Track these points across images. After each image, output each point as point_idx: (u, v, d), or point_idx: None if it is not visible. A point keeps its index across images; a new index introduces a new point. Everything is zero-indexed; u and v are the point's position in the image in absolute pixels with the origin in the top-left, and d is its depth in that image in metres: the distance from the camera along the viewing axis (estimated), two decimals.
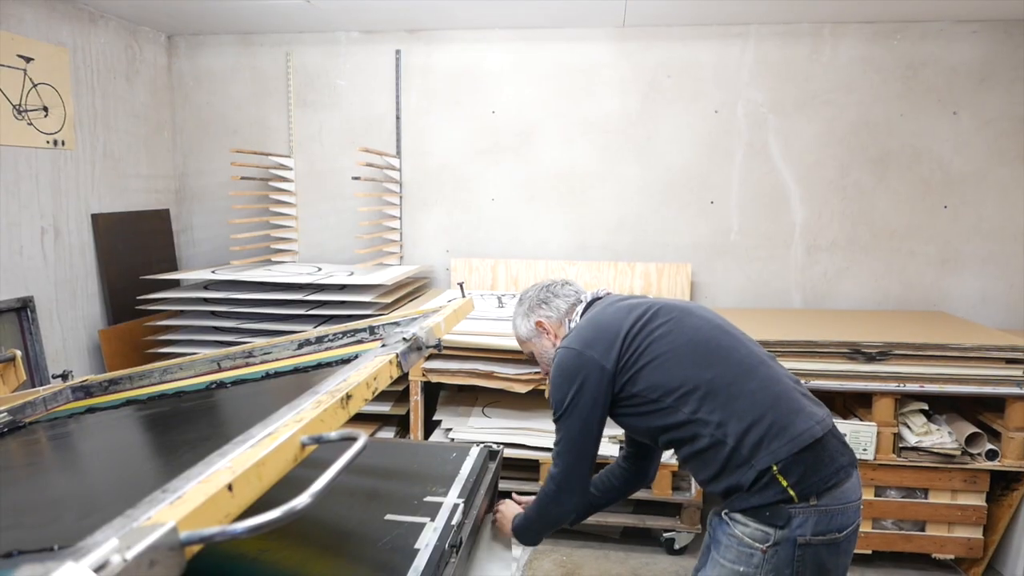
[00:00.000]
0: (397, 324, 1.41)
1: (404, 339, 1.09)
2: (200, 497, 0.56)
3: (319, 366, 1.34)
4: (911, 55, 3.12)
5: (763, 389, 1.38)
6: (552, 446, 1.53)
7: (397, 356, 1.01)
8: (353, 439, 0.68)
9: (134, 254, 3.31)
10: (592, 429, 1.46)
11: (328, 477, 0.60)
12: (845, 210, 3.23)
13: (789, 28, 3.17)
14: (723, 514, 1.38)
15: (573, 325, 1.59)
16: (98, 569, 0.45)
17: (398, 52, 3.43)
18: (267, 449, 0.65)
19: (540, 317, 1.66)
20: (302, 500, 0.55)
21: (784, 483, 1.29)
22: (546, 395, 1.75)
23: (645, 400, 1.43)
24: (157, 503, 0.57)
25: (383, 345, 1.15)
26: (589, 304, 1.63)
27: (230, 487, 0.58)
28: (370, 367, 0.94)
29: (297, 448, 0.68)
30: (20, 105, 2.70)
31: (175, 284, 3.24)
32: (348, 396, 0.82)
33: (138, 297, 3.10)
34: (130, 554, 0.47)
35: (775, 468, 1.30)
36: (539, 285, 1.73)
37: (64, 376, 1.86)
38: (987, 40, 3.07)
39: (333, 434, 0.70)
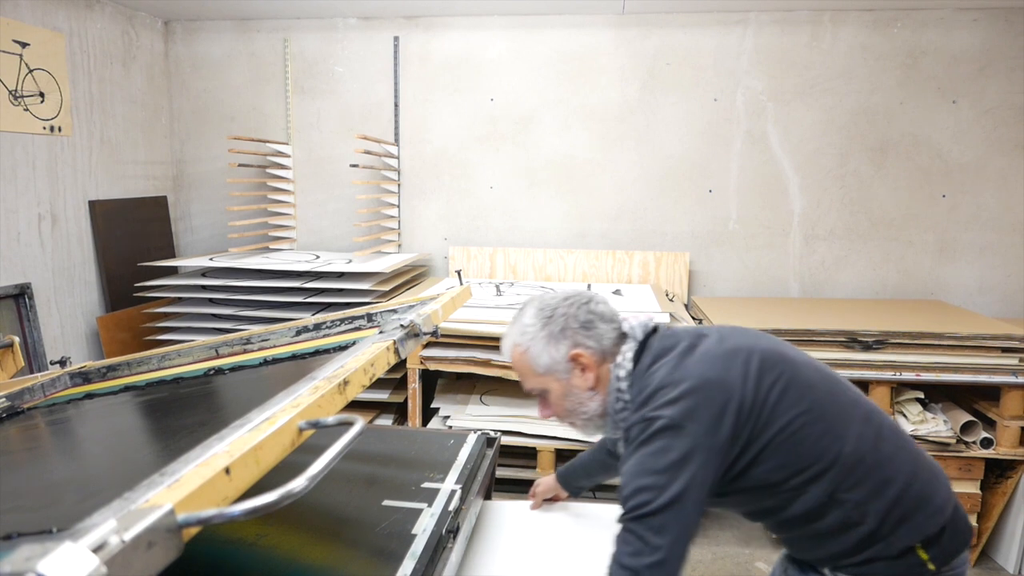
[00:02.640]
0: (395, 311, 1.41)
1: (402, 326, 1.09)
2: (198, 480, 0.57)
3: (317, 353, 1.34)
4: (911, 43, 3.11)
5: (899, 451, 1.16)
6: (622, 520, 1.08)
7: (395, 343, 1.01)
8: (350, 424, 0.68)
9: (132, 241, 3.31)
10: (694, 513, 1.06)
11: (325, 461, 0.61)
12: (844, 199, 3.23)
13: (789, 15, 3.16)
14: (831, 571, 1.19)
15: (621, 372, 1.20)
16: (96, 550, 0.45)
17: (396, 39, 3.41)
18: (265, 433, 0.65)
19: (580, 347, 1.21)
20: (299, 483, 0.56)
21: (924, 557, 1.13)
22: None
23: (762, 484, 1.13)
24: (155, 486, 0.57)
25: (381, 332, 1.15)
26: (643, 341, 1.23)
27: (227, 470, 0.59)
28: (367, 353, 0.94)
29: (295, 433, 0.69)
30: (16, 91, 2.69)
31: (173, 271, 3.24)
32: (345, 382, 0.82)
33: (136, 284, 3.10)
34: (128, 535, 0.48)
35: (918, 545, 1.12)
36: (572, 298, 1.25)
37: (62, 362, 1.87)
38: (987, 28, 3.05)
39: (330, 419, 0.70)
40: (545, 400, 1.28)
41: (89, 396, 1.62)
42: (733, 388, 1.10)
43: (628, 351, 1.21)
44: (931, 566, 1.12)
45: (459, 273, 1.71)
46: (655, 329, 1.26)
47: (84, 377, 1.79)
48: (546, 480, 1.66)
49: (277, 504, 0.54)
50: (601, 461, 1.59)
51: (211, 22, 3.53)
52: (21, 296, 2.73)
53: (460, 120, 3.44)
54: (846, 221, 3.24)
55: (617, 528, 1.07)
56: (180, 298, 3.07)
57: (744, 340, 1.19)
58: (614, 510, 1.35)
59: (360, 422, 0.68)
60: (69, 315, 3.00)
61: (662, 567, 1.01)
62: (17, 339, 1.99)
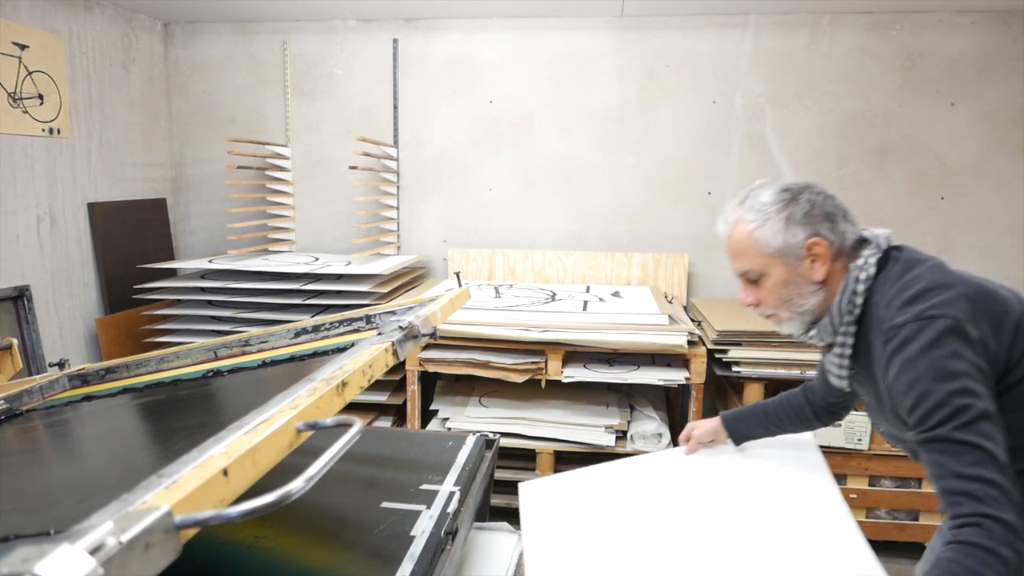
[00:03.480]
0: (393, 313, 1.42)
1: (400, 327, 1.09)
2: (195, 482, 0.57)
3: (315, 355, 1.34)
4: (910, 46, 3.11)
5: None
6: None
7: (393, 344, 1.01)
8: (348, 425, 0.68)
9: (131, 243, 3.31)
10: (997, 419, 0.98)
11: (323, 462, 0.61)
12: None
13: (788, 18, 3.16)
14: None
15: (862, 275, 1.13)
16: (93, 552, 0.45)
17: (395, 41, 3.41)
18: (262, 435, 0.65)
19: (820, 236, 1.15)
20: (297, 485, 0.56)
21: None
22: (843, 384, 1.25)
23: (1007, 420, 1.02)
24: (153, 487, 0.57)
25: (379, 334, 1.15)
26: (886, 253, 1.17)
27: (225, 472, 0.59)
28: (366, 355, 0.94)
29: (292, 434, 0.69)
30: (15, 93, 2.69)
31: (172, 273, 3.24)
32: (344, 383, 0.82)
33: (135, 286, 3.10)
34: (125, 537, 0.47)
35: None
36: (816, 187, 1.19)
37: (61, 364, 1.87)
38: (986, 31, 3.06)
39: (328, 420, 0.70)
40: (755, 285, 1.22)
41: (88, 398, 1.62)
42: (1010, 303, 1.09)
43: (871, 256, 1.15)
44: None
45: (458, 275, 1.71)
46: (908, 250, 1.20)
47: (83, 379, 1.79)
48: (704, 422, 1.56)
49: (275, 505, 0.54)
50: (794, 409, 1.48)
51: (210, 24, 3.53)
52: (20, 298, 2.73)
53: (459, 122, 3.44)
54: None
55: (930, 444, 0.98)
56: (179, 300, 3.07)
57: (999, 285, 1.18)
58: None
59: (358, 424, 0.68)
60: (68, 317, 2.99)
61: (1004, 471, 0.93)
62: (16, 341, 1.99)
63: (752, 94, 3.23)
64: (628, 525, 1.37)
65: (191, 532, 0.52)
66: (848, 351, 1.19)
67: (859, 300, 1.14)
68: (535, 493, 1.62)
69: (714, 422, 1.54)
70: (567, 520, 1.46)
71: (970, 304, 1.05)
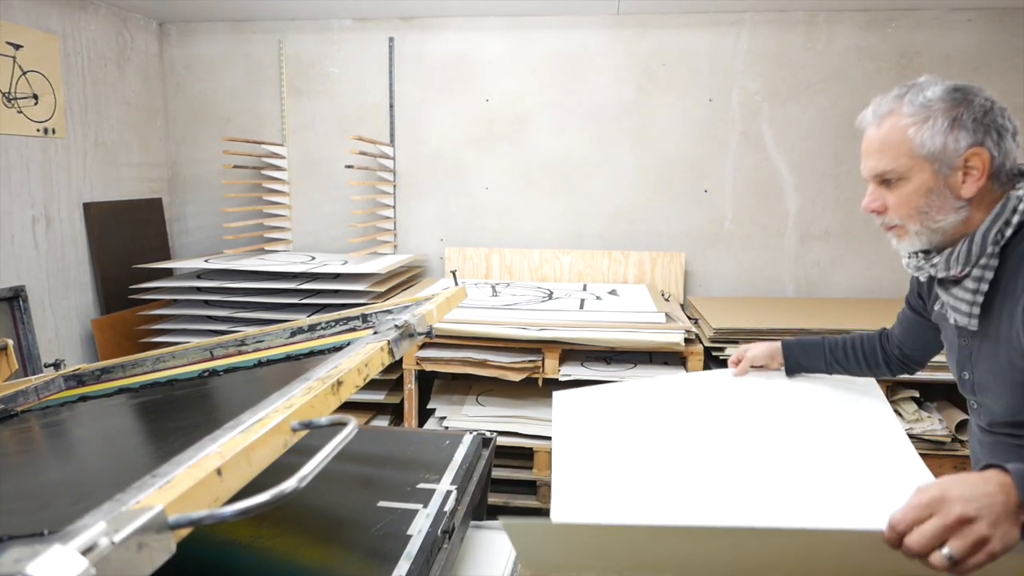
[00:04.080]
0: (390, 312, 1.41)
1: (396, 326, 1.09)
2: (189, 481, 0.56)
3: (311, 354, 1.34)
4: (905, 43, 3.12)
5: None
6: None
7: (389, 343, 1.01)
8: (343, 424, 0.68)
9: (127, 243, 3.30)
10: None
11: (317, 461, 0.61)
12: (839, 199, 3.24)
13: (784, 16, 3.16)
14: None
15: (1015, 206, 1.04)
16: (86, 552, 0.45)
17: (391, 40, 3.41)
18: (257, 434, 0.65)
19: (985, 145, 1.03)
20: (290, 484, 0.56)
21: None
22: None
23: None
24: (146, 488, 0.57)
25: (375, 333, 1.15)
26: None
27: (219, 471, 0.58)
28: (362, 354, 0.94)
29: (287, 433, 0.68)
30: (10, 93, 2.68)
31: (168, 273, 3.23)
32: (339, 382, 0.82)
33: (131, 286, 3.09)
34: (118, 537, 0.47)
35: None
36: (987, 91, 1.08)
37: (56, 365, 1.86)
38: (981, 28, 3.06)
39: (323, 419, 0.70)
40: (886, 187, 1.09)
41: (83, 398, 1.62)
42: None
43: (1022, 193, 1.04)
44: None
45: (454, 274, 1.71)
46: None
47: (78, 379, 1.79)
48: (760, 344, 1.50)
49: (269, 505, 0.53)
50: (866, 350, 1.41)
51: (206, 24, 3.52)
52: (15, 299, 2.72)
53: (456, 121, 3.43)
54: (841, 221, 3.25)
55: None
56: (175, 300, 3.06)
57: None
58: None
59: (353, 422, 0.68)
60: (64, 317, 2.99)
61: None
62: (11, 342, 1.98)
63: (748, 92, 3.23)
64: (660, 440, 1.32)
65: (184, 532, 0.52)
66: (986, 286, 1.06)
67: (1010, 232, 1.04)
68: (568, 402, 1.55)
69: (771, 345, 1.47)
70: (598, 432, 1.40)
71: None
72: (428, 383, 2.91)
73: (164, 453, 0.90)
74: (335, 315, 1.49)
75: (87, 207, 3.07)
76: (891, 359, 1.44)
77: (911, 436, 2.50)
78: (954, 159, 1.04)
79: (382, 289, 2.96)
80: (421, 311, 1.20)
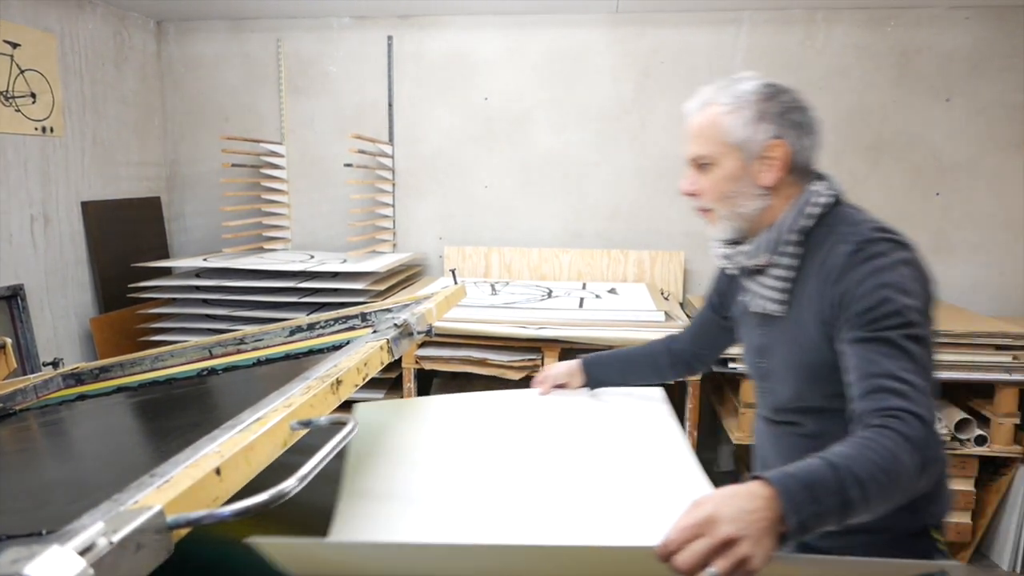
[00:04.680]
0: (389, 311, 1.41)
1: (395, 325, 1.09)
2: (188, 481, 0.56)
3: (310, 353, 1.34)
4: (904, 42, 3.11)
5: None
6: (891, 378, 0.97)
7: (388, 342, 1.01)
8: (343, 424, 0.68)
9: (125, 242, 3.29)
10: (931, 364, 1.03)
11: (316, 460, 0.60)
12: None
13: (782, 14, 3.16)
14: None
15: (820, 199, 1.12)
16: (84, 552, 0.45)
17: (390, 38, 3.40)
18: (256, 434, 0.65)
19: (785, 137, 1.11)
20: (290, 483, 0.55)
21: (936, 536, 1.13)
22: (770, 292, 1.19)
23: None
24: (145, 487, 0.57)
25: (374, 331, 1.14)
26: (839, 197, 1.17)
27: (218, 471, 0.58)
28: (361, 352, 0.94)
29: (286, 433, 0.68)
30: (7, 91, 2.67)
31: (167, 272, 3.22)
32: (338, 381, 0.82)
33: (129, 285, 3.08)
34: (116, 537, 0.47)
35: (933, 529, 1.13)
36: (798, 92, 1.17)
37: (55, 364, 1.86)
38: (980, 26, 3.06)
39: (322, 419, 0.70)
40: (701, 172, 1.17)
41: (82, 397, 1.61)
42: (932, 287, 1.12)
43: (828, 190, 1.14)
44: (940, 545, 1.12)
45: (453, 272, 1.70)
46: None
47: (77, 378, 1.78)
48: (561, 364, 1.54)
49: (267, 505, 0.53)
50: (652, 356, 1.49)
51: (204, 22, 3.51)
52: (14, 297, 2.72)
53: (454, 119, 3.43)
54: None
55: (870, 343, 1.00)
56: (174, 299, 3.06)
57: None
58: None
59: (352, 421, 0.67)
60: (62, 316, 2.98)
61: (931, 389, 0.98)
62: (9, 340, 1.98)
63: None
64: (450, 458, 1.29)
65: (183, 532, 0.52)
66: (792, 273, 1.14)
67: (810, 223, 1.12)
68: (370, 415, 1.52)
69: (571, 364, 1.52)
70: (392, 449, 1.36)
71: (915, 253, 1.10)
72: (427, 382, 2.90)
73: (163, 452, 0.90)
74: (334, 314, 1.48)
75: (85, 206, 3.06)
76: (678, 362, 1.50)
77: None
78: (757, 148, 1.11)
79: (381, 288, 2.95)
80: (420, 310, 1.20)
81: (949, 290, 3.20)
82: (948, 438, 2.49)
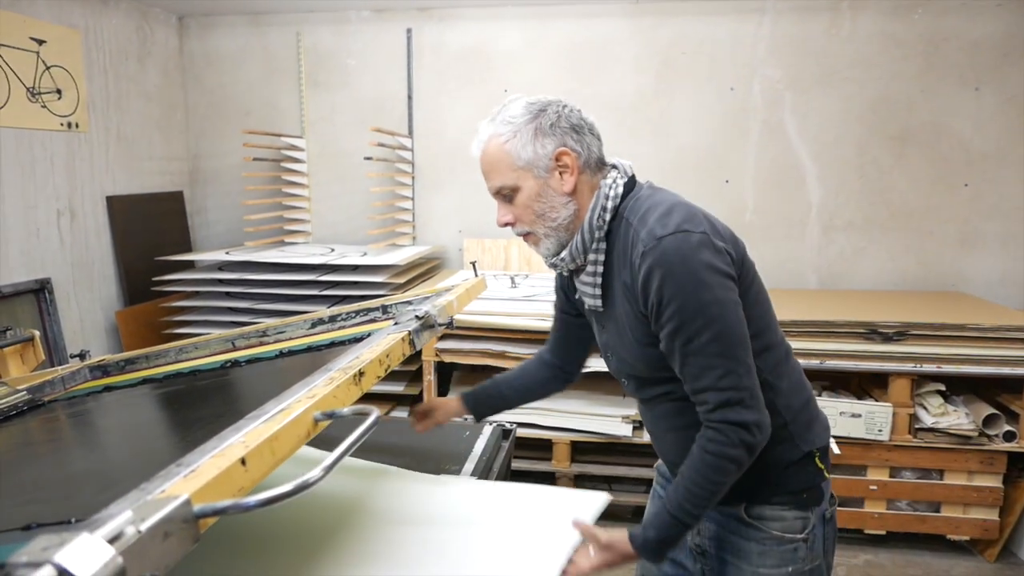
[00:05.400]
0: (409, 303, 1.41)
1: (417, 317, 1.09)
2: (214, 471, 0.57)
3: (332, 345, 1.34)
4: (932, 30, 3.05)
5: (798, 365, 1.24)
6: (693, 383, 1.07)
7: (409, 334, 1.01)
8: (366, 414, 0.68)
9: (149, 236, 3.33)
10: (745, 326, 1.08)
11: (340, 451, 0.60)
12: (863, 189, 3.18)
13: (807, 3, 3.11)
14: (743, 517, 1.18)
15: (611, 192, 1.16)
16: (112, 540, 0.45)
17: (409, 31, 3.40)
18: (280, 424, 0.65)
19: (567, 144, 1.15)
20: (315, 474, 0.56)
21: (820, 465, 1.19)
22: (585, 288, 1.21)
23: None
24: (171, 477, 0.57)
25: (395, 324, 1.14)
26: (631, 180, 1.21)
27: (243, 461, 0.58)
28: (382, 345, 0.94)
29: (310, 423, 0.68)
30: (34, 88, 2.71)
31: (190, 265, 3.26)
32: (361, 373, 0.82)
33: (153, 278, 3.12)
34: (144, 526, 0.47)
35: (817, 453, 1.18)
36: (564, 101, 1.19)
37: (82, 356, 1.89)
38: (1011, 14, 2.99)
39: (345, 410, 0.70)
40: (510, 202, 1.18)
41: (108, 389, 1.64)
42: (729, 228, 1.16)
43: (620, 179, 1.19)
44: (826, 474, 1.19)
45: (474, 264, 1.70)
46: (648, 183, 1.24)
47: (103, 370, 1.81)
48: (445, 402, 1.45)
49: (292, 494, 0.53)
50: (528, 373, 1.45)
51: (224, 17, 3.54)
52: (41, 291, 2.76)
53: (474, 112, 3.42)
54: (865, 212, 3.20)
55: (685, 355, 1.06)
56: (197, 292, 3.09)
57: None
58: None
59: (375, 412, 0.67)
60: (88, 309, 3.03)
61: (748, 372, 1.06)
62: (38, 333, 2.02)
63: (771, 81, 3.18)
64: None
65: (210, 521, 0.52)
66: (601, 268, 1.18)
67: (608, 216, 1.16)
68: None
69: (455, 403, 1.44)
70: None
71: (712, 223, 1.11)
72: (447, 375, 2.91)
73: (188, 443, 0.91)
74: (355, 306, 1.49)
75: (110, 200, 3.10)
76: (556, 373, 1.45)
77: (936, 430, 2.47)
78: (547, 162, 1.14)
79: (401, 280, 2.96)
80: (441, 302, 1.20)
81: (977, 283, 3.14)
82: (976, 434, 2.44)
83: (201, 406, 1.22)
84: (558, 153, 1.14)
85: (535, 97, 1.20)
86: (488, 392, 1.46)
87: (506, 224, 1.21)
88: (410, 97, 3.44)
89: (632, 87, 3.29)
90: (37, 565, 0.41)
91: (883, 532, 2.58)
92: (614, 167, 1.22)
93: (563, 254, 1.20)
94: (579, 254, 1.18)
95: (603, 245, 1.17)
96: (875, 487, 2.54)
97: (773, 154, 3.22)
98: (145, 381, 1.61)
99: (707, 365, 1.04)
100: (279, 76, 3.54)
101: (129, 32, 3.23)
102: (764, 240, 3.28)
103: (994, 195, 3.10)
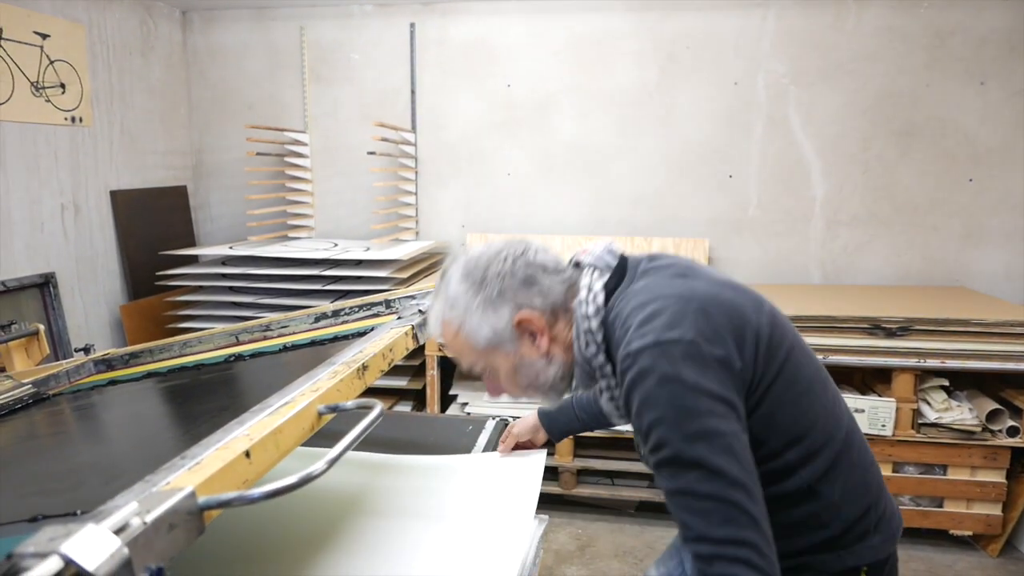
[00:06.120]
0: (413, 298, 1.41)
1: (420, 311, 1.09)
2: (218, 463, 0.57)
3: (336, 339, 1.35)
4: (938, 23, 3.03)
5: (874, 460, 1.04)
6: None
7: (413, 328, 1.01)
8: (369, 408, 0.68)
9: (153, 230, 3.34)
10: (748, 462, 0.87)
11: (344, 444, 0.61)
12: (867, 184, 3.17)
13: None
14: None
15: (590, 309, 0.99)
16: (118, 532, 0.46)
17: (412, 25, 3.39)
18: (284, 417, 0.65)
19: (525, 308, 1.00)
20: (319, 466, 0.56)
21: None
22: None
23: (755, 444, 0.91)
24: (176, 469, 0.57)
25: (399, 318, 1.15)
26: (616, 267, 1.03)
27: (248, 454, 0.59)
28: (386, 338, 0.94)
29: (314, 417, 0.68)
30: (37, 82, 2.71)
31: (193, 260, 3.27)
32: (364, 367, 0.82)
33: (157, 273, 3.13)
34: (149, 517, 0.48)
35: (865, 570, 0.99)
36: (505, 252, 1.03)
37: (86, 350, 1.90)
38: (1018, 8, 2.97)
39: (349, 403, 0.70)
40: (493, 377, 1.06)
41: (112, 382, 1.64)
42: (746, 311, 0.93)
43: (596, 281, 1.00)
44: None
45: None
46: (624, 255, 1.05)
47: (108, 364, 1.82)
48: (523, 421, 1.44)
49: (296, 487, 0.54)
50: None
51: (228, 11, 3.53)
52: (46, 285, 2.77)
53: (477, 106, 3.42)
54: (869, 206, 3.19)
55: (674, 497, 0.87)
56: (201, 286, 3.10)
57: (744, 287, 1.03)
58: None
59: (379, 406, 0.68)
60: (93, 303, 3.04)
61: (748, 514, 0.84)
62: (42, 327, 2.02)
63: (775, 75, 3.17)
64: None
65: (215, 513, 0.52)
66: (615, 386, 1.01)
67: (597, 337, 0.99)
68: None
69: (532, 419, 1.42)
70: None
71: (708, 320, 0.90)
72: (450, 369, 2.92)
73: (192, 436, 0.91)
74: (359, 301, 1.49)
75: (114, 195, 3.11)
76: None
77: (940, 426, 2.47)
78: (509, 334, 1.00)
79: (404, 275, 2.96)
80: None
81: (981, 278, 3.13)
82: (979, 429, 2.44)
83: (205, 399, 1.22)
84: (517, 321, 1.00)
85: (475, 258, 1.03)
86: (561, 410, 1.39)
87: (498, 395, 1.09)
88: (413, 92, 3.44)
89: (636, 81, 3.28)
90: (44, 556, 0.41)
91: None
92: (580, 271, 1.05)
93: (575, 387, 1.07)
94: (589, 381, 1.04)
95: (608, 367, 1.00)
96: None
97: (777, 149, 3.22)
98: (149, 375, 1.61)
99: (697, 509, 0.83)
100: (282, 71, 3.54)
101: (132, 26, 3.23)
102: (767, 235, 3.28)
103: (999, 190, 3.08)
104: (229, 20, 3.54)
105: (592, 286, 1.00)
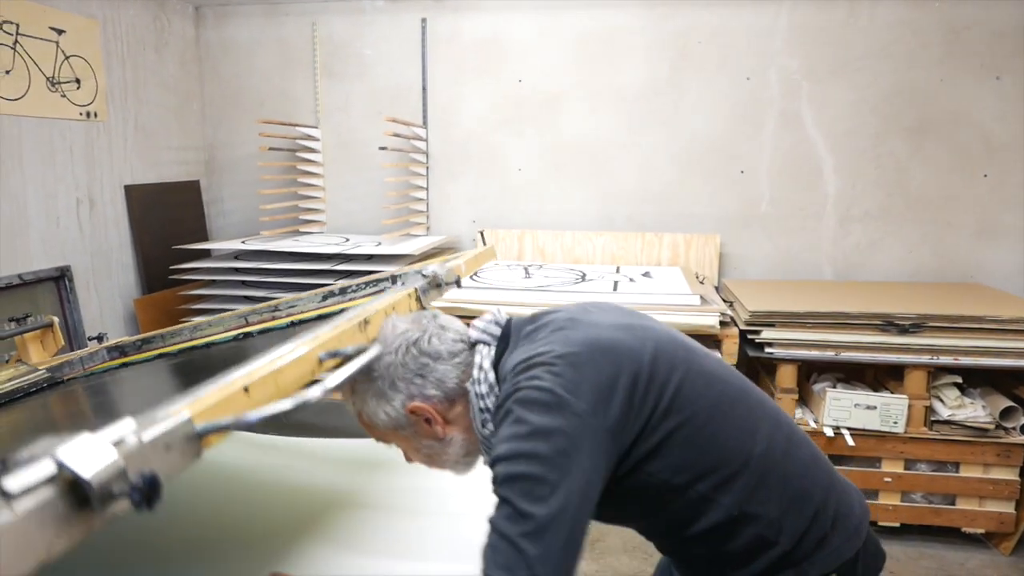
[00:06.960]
0: (420, 273, 1.42)
1: (423, 275, 1.09)
2: (217, 397, 0.57)
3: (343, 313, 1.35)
4: (952, 18, 3.01)
5: (814, 461, 1.03)
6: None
7: (416, 290, 1.01)
8: (368, 348, 0.68)
9: (166, 225, 3.37)
10: (580, 534, 0.86)
11: (342, 374, 0.61)
12: (880, 180, 3.15)
13: None
14: None
15: (483, 388, 1.01)
16: (115, 445, 0.46)
17: (424, 21, 3.41)
18: (285, 360, 0.65)
19: (417, 398, 1.00)
20: (314, 392, 0.56)
21: None
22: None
23: (661, 486, 0.94)
24: (176, 403, 0.58)
25: (403, 285, 1.15)
26: (501, 337, 1.05)
27: (246, 389, 0.59)
28: (389, 298, 0.94)
29: (314, 362, 0.69)
30: (53, 77, 2.75)
31: (206, 254, 3.29)
32: (366, 321, 0.82)
33: (171, 267, 3.15)
34: (146, 436, 0.48)
35: (834, 574, 0.99)
36: (399, 341, 0.99)
37: (100, 338, 1.91)
38: None
39: (349, 348, 0.70)
40: (403, 450, 1.09)
41: (125, 367, 1.66)
42: (626, 358, 0.93)
43: (486, 359, 1.01)
44: None
45: (482, 234, 1.69)
46: (510, 320, 1.08)
47: (120, 350, 1.83)
48: None
49: (291, 410, 0.54)
50: None
51: (240, 7, 3.57)
52: (61, 278, 2.80)
53: (488, 102, 3.43)
54: (882, 202, 3.16)
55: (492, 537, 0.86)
56: (214, 280, 3.12)
57: (638, 320, 1.05)
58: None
59: (377, 346, 0.68)
60: (107, 297, 3.07)
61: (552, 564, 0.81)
62: (56, 319, 2.04)
63: (787, 70, 3.16)
64: None
65: (213, 438, 0.53)
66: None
67: (494, 399, 1.00)
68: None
69: None
70: None
71: (575, 371, 0.90)
72: None
73: None
74: (366, 278, 1.50)
75: (128, 189, 3.14)
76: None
77: (953, 423, 2.43)
78: (406, 420, 1.01)
79: None
80: (450, 264, 1.20)
81: (995, 274, 3.09)
82: (992, 426, 2.41)
83: (214, 371, 1.23)
84: (410, 409, 1.00)
85: (372, 352, 0.98)
86: None
87: (412, 462, 1.11)
88: (424, 87, 3.45)
89: (646, 77, 3.28)
90: (37, 459, 0.42)
91: (897, 524, 2.55)
92: (474, 348, 1.04)
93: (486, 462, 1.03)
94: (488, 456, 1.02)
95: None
96: (889, 479, 2.51)
97: (789, 144, 3.20)
98: (160, 356, 1.63)
99: (491, 544, 0.84)
100: (294, 66, 3.57)
101: (146, 22, 3.27)
102: (779, 231, 3.26)
103: (1014, 185, 3.05)
104: (242, 16, 3.58)
105: (483, 364, 1.01)
